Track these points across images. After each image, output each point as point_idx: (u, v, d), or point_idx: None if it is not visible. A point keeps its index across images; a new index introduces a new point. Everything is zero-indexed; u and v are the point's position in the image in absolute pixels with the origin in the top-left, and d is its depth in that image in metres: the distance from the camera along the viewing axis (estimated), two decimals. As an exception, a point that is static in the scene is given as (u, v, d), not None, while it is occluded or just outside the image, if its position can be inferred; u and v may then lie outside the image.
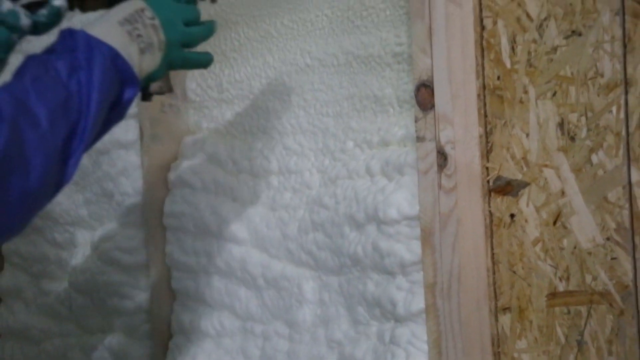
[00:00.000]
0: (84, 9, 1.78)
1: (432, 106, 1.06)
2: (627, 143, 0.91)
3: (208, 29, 1.11)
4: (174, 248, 1.49)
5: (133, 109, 1.56)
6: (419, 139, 1.08)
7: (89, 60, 0.94)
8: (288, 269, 1.29)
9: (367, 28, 1.19)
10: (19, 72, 0.95)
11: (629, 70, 0.89)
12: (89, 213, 1.69)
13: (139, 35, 1.00)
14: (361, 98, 1.22)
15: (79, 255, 1.71)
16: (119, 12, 1.01)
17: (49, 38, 1.05)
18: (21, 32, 1.02)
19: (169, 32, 1.03)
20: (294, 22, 1.32)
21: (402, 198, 1.10)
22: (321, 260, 1.24)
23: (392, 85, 1.17)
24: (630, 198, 0.91)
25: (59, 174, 0.93)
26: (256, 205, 1.37)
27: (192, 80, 1.54)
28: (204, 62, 1.13)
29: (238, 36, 1.44)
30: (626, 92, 0.90)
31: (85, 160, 1.68)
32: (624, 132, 0.91)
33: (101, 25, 0.99)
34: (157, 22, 1.02)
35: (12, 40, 1.01)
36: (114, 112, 1.01)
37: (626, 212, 0.92)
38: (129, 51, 0.98)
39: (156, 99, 1.50)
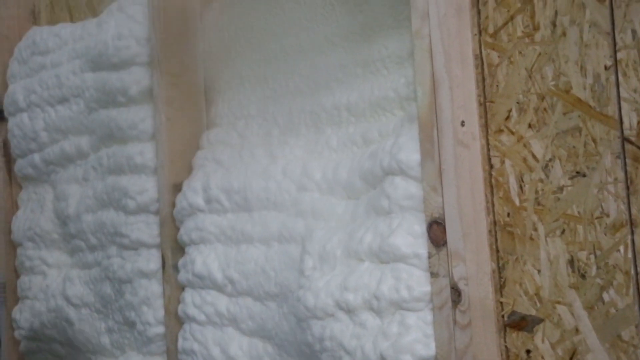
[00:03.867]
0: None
1: (445, 243, 1.08)
2: (637, 282, 0.92)
3: None
4: (190, 385, 1.50)
5: (155, 239, 1.60)
6: (433, 274, 1.09)
7: None
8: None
9: (370, 159, 1.23)
10: None
11: (634, 211, 0.91)
12: (110, 341, 1.70)
13: None
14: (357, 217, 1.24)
15: (101, 384, 1.72)
16: None
17: None
18: None
19: None
20: (304, 151, 1.37)
21: (414, 341, 1.08)
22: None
23: None
24: (644, 337, 0.91)
25: None
26: (263, 340, 1.36)
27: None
28: None
29: (239, 155, 1.48)
30: (632, 232, 0.92)
31: (108, 288, 1.70)
32: (632, 272, 0.92)
33: None
34: None
35: None
36: None
37: (640, 352, 0.92)
38: None
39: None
